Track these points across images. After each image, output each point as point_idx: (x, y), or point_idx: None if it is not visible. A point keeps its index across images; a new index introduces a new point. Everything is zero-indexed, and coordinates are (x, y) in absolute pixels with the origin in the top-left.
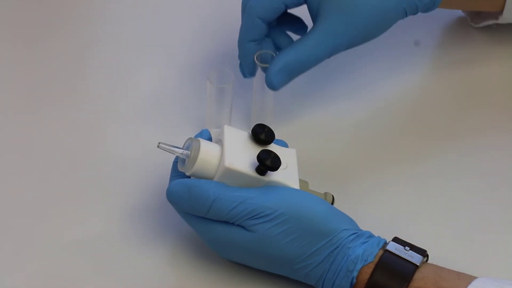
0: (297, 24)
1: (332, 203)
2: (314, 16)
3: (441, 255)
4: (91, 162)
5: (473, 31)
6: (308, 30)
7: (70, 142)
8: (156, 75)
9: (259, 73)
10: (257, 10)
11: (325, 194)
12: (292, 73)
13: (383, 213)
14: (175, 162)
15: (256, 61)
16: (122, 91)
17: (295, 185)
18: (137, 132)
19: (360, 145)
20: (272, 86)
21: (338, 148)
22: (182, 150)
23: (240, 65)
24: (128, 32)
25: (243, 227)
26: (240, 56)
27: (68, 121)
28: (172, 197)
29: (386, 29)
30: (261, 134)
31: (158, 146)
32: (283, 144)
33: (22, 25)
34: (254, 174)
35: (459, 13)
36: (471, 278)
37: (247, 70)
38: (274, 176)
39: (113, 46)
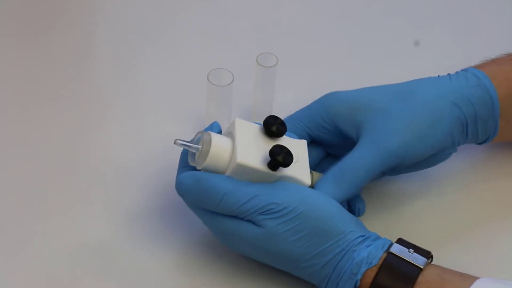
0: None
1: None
2: (355, 140)
3: (444, 256)
4: (93, 162)
5: (473, 31)
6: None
7: (72, 143)
8: (156, 75)
9: (259, 71)
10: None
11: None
12: (343, 186)
13: (386, 213)
14: (184, 154)
15: (257, 62)
16: (122, 91)
17: (306, 178)
18: (137, 132)
19: None
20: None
21: None
22: (198, 146)
23: None
24: (128, 32)
25: (252, 222)
26: None
27: (68, 121)
28: (182, 189)
29: (440, 140)
30: (273, 126)
31: (174, 143)
32: (293, 136)
33: (22, 24)
34: (266, 169)
35: (458, 12)
36: (474, 279)
37: None
38: (286, 171)
39: (113, 46)
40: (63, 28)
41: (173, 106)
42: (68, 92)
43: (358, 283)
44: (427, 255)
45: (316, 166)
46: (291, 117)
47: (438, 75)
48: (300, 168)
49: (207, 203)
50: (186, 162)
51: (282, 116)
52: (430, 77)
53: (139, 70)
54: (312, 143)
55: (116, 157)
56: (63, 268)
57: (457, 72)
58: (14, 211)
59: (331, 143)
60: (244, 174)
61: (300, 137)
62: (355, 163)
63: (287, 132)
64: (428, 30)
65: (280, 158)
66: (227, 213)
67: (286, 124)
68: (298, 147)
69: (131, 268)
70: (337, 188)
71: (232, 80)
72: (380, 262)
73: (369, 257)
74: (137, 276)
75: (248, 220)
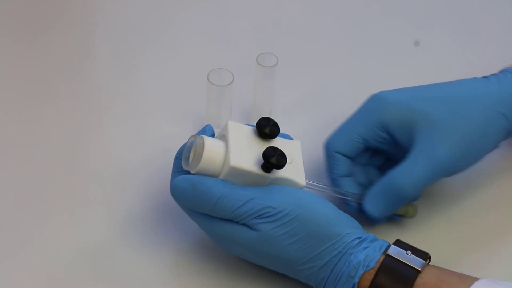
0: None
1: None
2: (406, 149)
3: (443, 256)
4: (92, 162)
5: (473, 31)
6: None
7: (71, 143)
8: (156, 75)
9: (259, 71)
10: (335, 145)
11: (408, 205)
12: (391, 200)
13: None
14: (177, 158)
15: (257, 62)
16: (122, 91)
17: (301, 179)
18: (137, 132)
19: None
20: (369, 214)
21: None
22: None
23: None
24: (128, 32)
25: (247, 226)
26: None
27: (68, 121)
28: (176, 193)
29: (487, 150)
30: (266, 128)
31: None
32: (287, 137)
33: (22, 24)
34: (259, 171)
35: (458, 12)
36: (473, 280)
37: (354, 206)
38: (280, 173)
39: (113, 46)
40: (63, 28)
41: (173, 106)
42: (68, 92)
43: (356, 286)
44: (425, 256)
45: (378, 171)
46: (343, 129)
47: (485, 77)
48: (294, 169)
49: (202, 207)
50: (180, 166)
51: (282, 116)
52: (478, 81)
53: (139, 70)
54: (370, 151)
55: (115, 157)
56: (62, 268)
57: (504, 74)
58: (14, 211)
59: (388, 151)
60: (239, 177)
61: (357, 150)
62: (407, 177)
63: (280, 133)
64: (428, 30)
65: (273, 160)
66: (222, 217)
67: (341, 139)
68: (292, 148)
69: (130, 268)
70: (386, 202)
71: (232, 80)
72: (378, 265)
73: (366, 260)
74: (135, 277)
75: (243, 224)
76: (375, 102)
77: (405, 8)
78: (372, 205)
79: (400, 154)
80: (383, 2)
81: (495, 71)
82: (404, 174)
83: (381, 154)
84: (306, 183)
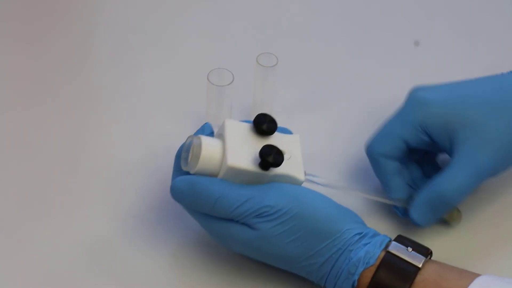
0: (428, 161)
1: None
2: (449, 152)
3: (445, 252)
4: (92, 162)
5: (473, 31)
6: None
7: (71, 143)
8: (156, 75)
9: (259, 71)
10: (378, 149)
11: (453, 211)
12: (437, 208)
13: (385, 209)
14: (177, 158)
15: (257, 62)
16: (122, 91)
17: (300, 174)
18: (137, 132)
19: (358, 142)
20: (416, 222)
21: (337, 145)
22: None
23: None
24: (129, 32)
25: (247, 225)
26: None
27: (68, 121)
28: (176, 193)
29: None
30: (263, 125)
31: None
32: (286, 131)
33: (22, 24)
34: (257, 170)
35: (458, 12)
36: (474, 276)
37: (400, 209)
38: (279, 169)
39: (113, 46)
40: (63, 28)
41: (173, 106)
42: (68, 92)
43: (356, 283)
44: (426, 252)
45: (417, 166)
46: (384, 132)
47: None
48: (293, 165)
49: (201, 207)
50: (180, 166)
51: (282, 116)
52: None
53: (139, 70)
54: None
55: (116, 157)
56: (62, 268)
57: None
58: (14, 211)
59: (427, 150)
60: (237, 176)
61: (400, 152)
62: (451, 185)
63: (279, 127)
64: (428, 30)
65: (270, 158)
66: (222, 217)
67: (383, 142)
68: (290, 143)
69: (130, 268)
70: (432, 210)
71: (232, 80)
72: (378, 262)
73: (366, 257)
74: (136, 275)
75: (243, 223)
76: (415, 103)
77: (405, 8)
78: (418, 214)
79: (438, 151)
80: (383, 2)
81: (495, 71)
82: (448, 182)
83: (419, 150)
84: (321, 180)
